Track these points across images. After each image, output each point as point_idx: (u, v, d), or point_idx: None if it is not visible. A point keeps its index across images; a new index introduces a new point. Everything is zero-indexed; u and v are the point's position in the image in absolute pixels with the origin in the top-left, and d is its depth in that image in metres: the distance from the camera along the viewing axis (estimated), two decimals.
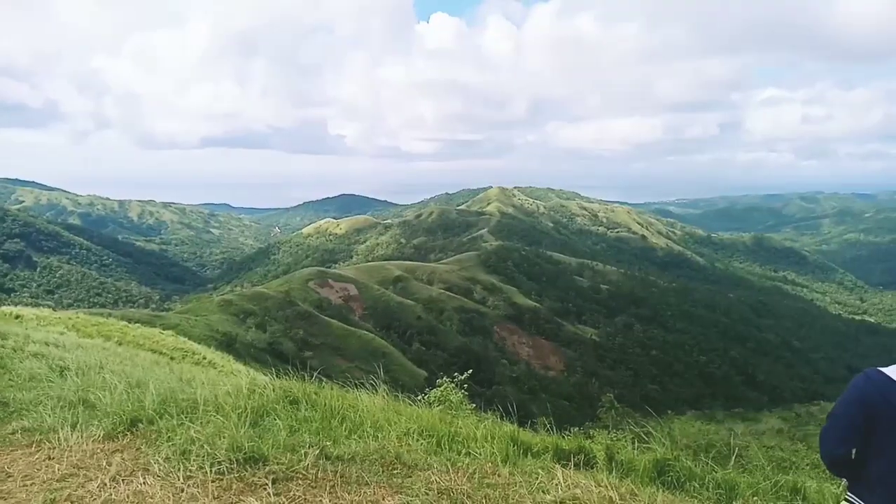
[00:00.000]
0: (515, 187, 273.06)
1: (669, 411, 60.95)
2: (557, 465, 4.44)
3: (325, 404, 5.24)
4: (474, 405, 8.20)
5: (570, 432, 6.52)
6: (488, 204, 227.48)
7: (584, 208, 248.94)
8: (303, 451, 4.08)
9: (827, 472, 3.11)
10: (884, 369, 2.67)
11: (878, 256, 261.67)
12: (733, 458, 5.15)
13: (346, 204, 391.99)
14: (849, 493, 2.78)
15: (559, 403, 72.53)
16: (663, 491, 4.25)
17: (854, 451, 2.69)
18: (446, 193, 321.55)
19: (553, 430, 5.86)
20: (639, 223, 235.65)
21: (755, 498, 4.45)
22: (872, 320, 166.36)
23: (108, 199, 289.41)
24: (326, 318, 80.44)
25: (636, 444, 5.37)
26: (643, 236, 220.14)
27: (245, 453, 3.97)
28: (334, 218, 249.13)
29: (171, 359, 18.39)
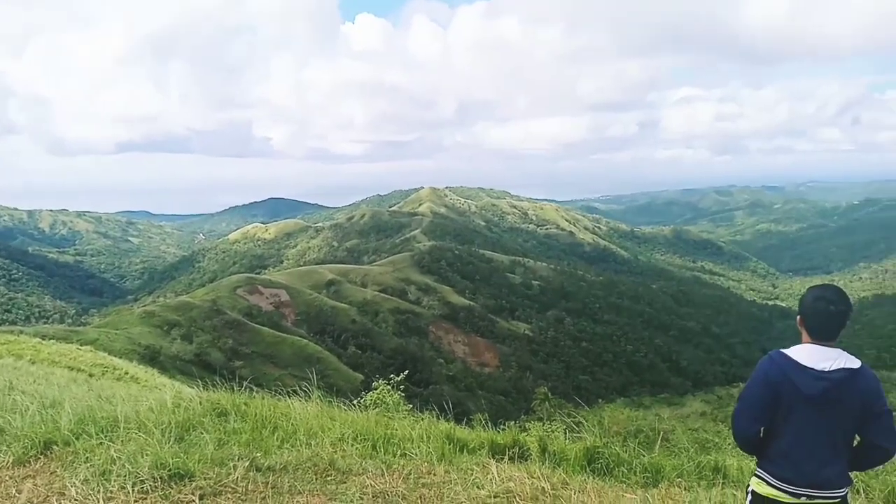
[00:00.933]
0: (447, 187, 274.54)
1: (600, 400, 63.15)
2: (492, 460, 4.51)
3: (256, 414, 5.11)
4: (411, 406, 8.20)
5: (505, 427, 6.62)
6: (420, 205, 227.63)
7: (515, 207, 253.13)
8: (232, 464, 3.96)
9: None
10: (785, 350, 2.89)
11: (787, 245, 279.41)
12: (658, 442, 5.38)
13: (275, 208, 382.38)
14: (758, 469, 3.00)
15: (495, 399, 73.54)
16: (594, 478, 4.39)
17: (762, 429, 2.90)
18: (378, 195, 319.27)
19: (489, 425, 5.94)
20: (566, 220, 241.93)
21: (679, 479, 4.66)
22: (784, 305, 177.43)
23: (15, 209, 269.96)
24: (257, 325, 78.28)
25: (568, 434, 5.52)
26: (571, 232, 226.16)
27: (170, 470, 3.82)
28: (262, 223, 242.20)
29: (91, 375, 17.48)
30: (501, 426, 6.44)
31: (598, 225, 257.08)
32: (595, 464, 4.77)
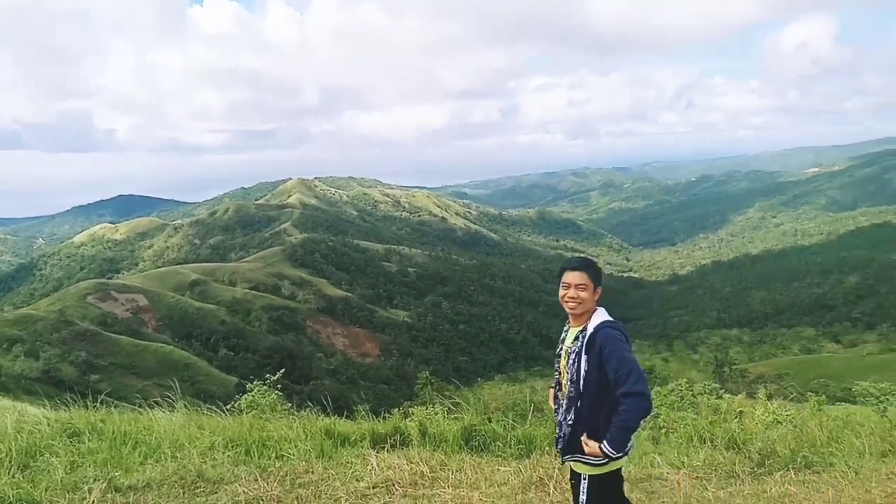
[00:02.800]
0: (316, 178, 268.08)
1: (479, 379, 65.17)
2: (373, 451, 4.51)
3: (114, 431, 4.73)
4: (290, 405, 7.97)
5: (389, 415, 6.65)
6: (289, 196, 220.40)
7: (387, 195, 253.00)
8: (87, 488, 3.64)
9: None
10: (609, 317, 3.04)
11: (637, 220, 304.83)
12: (530, 413, 5.66)
13: (125, 205, 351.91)
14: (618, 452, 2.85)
15: (378, 388, 73.58)
16: (471, 455, 4.54)
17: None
18: (242, 188, 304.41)
19: (371, 416, 5.93)
20: (438, 206, 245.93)
21: (550, 447, 4.95)
22: (637, 276, 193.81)
23: None
24: (113, 334, 72.12)
25: (448, 416, 5.65)
26: (443, 218, 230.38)
27: (11, 503, 3.42)
28: (111, 222, 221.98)
29: None
30: (384, 415, 6.46)
31: (468, 210, 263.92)
32: (473, 441, 4.93)
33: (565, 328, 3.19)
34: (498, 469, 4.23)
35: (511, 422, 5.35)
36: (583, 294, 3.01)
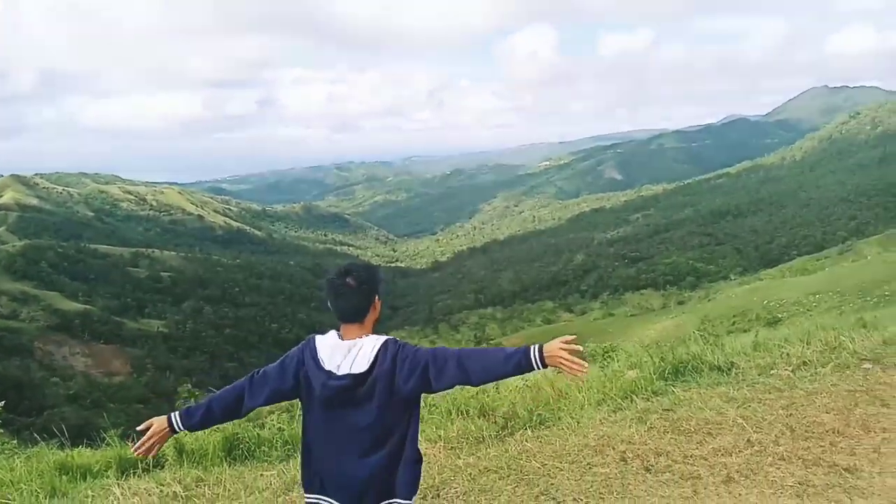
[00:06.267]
0: (37, 174, 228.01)
1: None
2: (118, 480, 4.10)
3: None
4: (16, 441, 6.86)
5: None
6: (0, 196, 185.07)
7: (129, 192, 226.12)
8: None
9: None
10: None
11: (400, 212, 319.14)
12: (298, 412, 5.63)
13: None
14: None
15: (133, 409, 65.92)
16: (233, 465, 4.37)
17: None
18: None
19: (123, 441, 5.35)
20: (193, 203, 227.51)
21: None
22: (403, 265, 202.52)
23: None
24: None
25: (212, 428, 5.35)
26: (200, 216, 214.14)
27: None
28: None
29: None
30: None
31: (228, 206, 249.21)
32: (236, 451, 4.75)
33: None
34: (261, 475, 4.15)
35: (277, 424, 5.26)
36: None
